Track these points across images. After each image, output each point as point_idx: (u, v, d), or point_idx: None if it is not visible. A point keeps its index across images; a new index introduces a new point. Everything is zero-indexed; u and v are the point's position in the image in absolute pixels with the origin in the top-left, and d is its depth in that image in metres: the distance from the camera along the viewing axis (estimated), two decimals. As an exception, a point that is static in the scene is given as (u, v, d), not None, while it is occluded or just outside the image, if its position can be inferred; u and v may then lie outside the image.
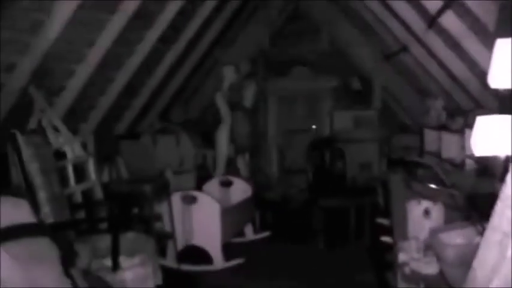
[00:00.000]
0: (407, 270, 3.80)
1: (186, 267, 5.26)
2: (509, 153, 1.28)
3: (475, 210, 2.41)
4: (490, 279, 1.52)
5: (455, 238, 3.16)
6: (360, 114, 8.38)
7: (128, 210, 5.34)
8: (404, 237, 4.06)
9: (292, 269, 5.28)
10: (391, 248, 4.73)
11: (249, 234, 6.40)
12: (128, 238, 4.36)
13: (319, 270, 5.22)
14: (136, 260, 4.07)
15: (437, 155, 5.64)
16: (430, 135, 6.19)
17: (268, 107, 8.80)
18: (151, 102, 7.05)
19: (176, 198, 5.43)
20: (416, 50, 6.03)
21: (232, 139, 6.98)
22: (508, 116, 1.26)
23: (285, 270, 5.19)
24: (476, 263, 1.67)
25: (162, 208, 5.45)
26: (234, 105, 7.10)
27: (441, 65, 5.59)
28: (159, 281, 4.26)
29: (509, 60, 1.08)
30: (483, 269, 1.59)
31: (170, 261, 5.27)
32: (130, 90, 6.18)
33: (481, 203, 1.92)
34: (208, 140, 7.29)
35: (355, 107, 8.48)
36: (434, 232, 3.54)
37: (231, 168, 7.02)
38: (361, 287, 4.83)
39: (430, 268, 3.63)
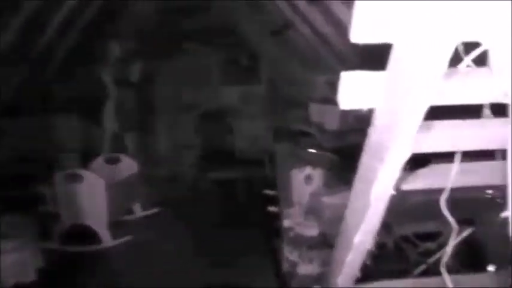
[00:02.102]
0: (291, 234, 4.00)
1: (72, 247, 5.08)
2: (372, 107, 1.39)
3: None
4: (357, 224, 1.66)
5: (333, 199, 3.36)
6: (248, 90, 8.54)
7: (9, 191, 5.02)
8: (289, 204, 4.26)
9: (182, 245, 5.25)
10: (277, 217, 4.92)
11: (138, 211, 6.28)
12: (7, 221, 4.13)
13: (210, 245, 5.26)
14: (14, 243, 3.88)
15: (322, 125, 5.92)
16: (315, 108, 6.47)
17: (155, 83, 8.64)
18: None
19: (60, 178, 5.21)
20: (300, 25, 6.25)
21: (119, 116, 6.79)
22: (369, 72, 1.36)
23: (174, 247, 5.15)
24: (347, 212, 1.80)
25: (45, 188, 5.22)
26: (121, 81, 6.89)
27: (325, 41, 5.84)
28: (40, 264, 4.10)
29: (369, 15, 1.16)
30: (353, 216, 1.73)
31: (55, 243, 5.07)
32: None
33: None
34: (94, 117, 7.03)
35: (243, 82, 8.61)
36: (314, 195, 3.77)
37: (119, 145, 6.84)
38: (252, 258, 4.93)
39: (311, 231, 3.84)
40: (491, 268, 2.66)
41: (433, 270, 2.66)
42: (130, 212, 6.17)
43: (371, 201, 1.48)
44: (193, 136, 6.93)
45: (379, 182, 1.40)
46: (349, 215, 1.78)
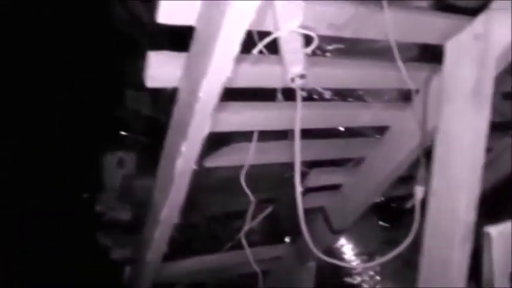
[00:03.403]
0: (105, 219, 3.93)
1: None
2: (176, 86, 1.48)
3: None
4: (163, 200, 1.75)
5: (145, 182, 3.39)
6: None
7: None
8: (102, 188, 4.18)
9: None
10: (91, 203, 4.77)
11: None
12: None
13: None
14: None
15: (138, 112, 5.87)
16: (130, 94, 6.38)
17: None
18: None
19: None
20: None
21: None
22: (174, 53, 1.45)
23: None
24: (154, 189, 1.88)
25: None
26: None
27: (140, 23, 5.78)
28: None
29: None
30: (159, 192, 1.81)
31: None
32: None
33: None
34: None
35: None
36: (126, 179, 3.76)
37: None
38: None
39: (124, 214, 3.82)
40: (287, 239, 2.98)
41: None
42: None
43: (174, 176, 1.57)
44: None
45: (182, 157, 1.50)
46: (156, 191, 1.85)
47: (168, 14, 1.25)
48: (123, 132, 4.08)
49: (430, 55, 1.82)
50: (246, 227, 2.29)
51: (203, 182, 2.36)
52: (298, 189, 1.67)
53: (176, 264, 2.64)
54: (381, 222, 3.09)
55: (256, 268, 2.47)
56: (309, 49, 1.35)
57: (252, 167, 1.98)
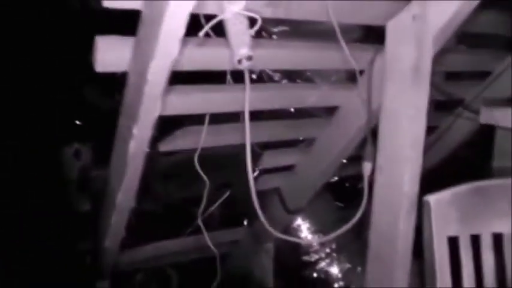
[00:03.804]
0: (62, 211, 3.91)
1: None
2: (126, 70, 1.50)
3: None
4: (119, 184, 1.77)
5: (102, 172, 3.39)
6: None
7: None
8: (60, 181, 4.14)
9: None
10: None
11: None
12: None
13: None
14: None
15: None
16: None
17: None
18: None
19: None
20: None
21: None
22: (122, 37, 1.46)
23: None
24: (110, 175, 1.90)
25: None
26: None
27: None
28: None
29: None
30: (114, 177, 1.83)
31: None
32: None
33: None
34: None
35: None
36: (83, 170, 3.74)
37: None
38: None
39: (83, 206, 3.81)
40: (245, 222, 3.04)
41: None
42: None
43: (128, 159, 1.59)
44: None
45: (134, 140, 1.52)
46: (111, 176, 1.87)
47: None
48: (78, 123, 4.04)
49: (376, 36, 1.89)
50: (202, 211, 2.32)
51: (159, 167, 2.39)
52: (250, 171, 1.70)
53: (136, 251, 2.66)
54: (336, 202, 3.18)
55: (215, 252, 2.50)
56: (253, 30, 1.39)
57: (207, 150, 2.02)
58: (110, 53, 1.44)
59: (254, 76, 1.99)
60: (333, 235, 2.02)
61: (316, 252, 3.05)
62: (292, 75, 2.01)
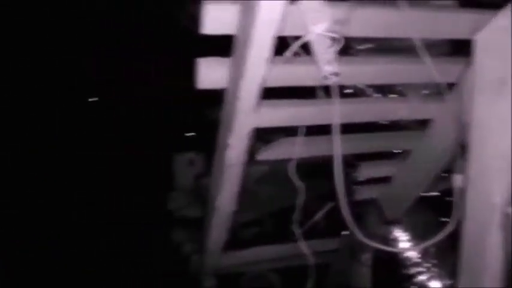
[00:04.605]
0: (176, 215, 4.22)
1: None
2: (224, 87, 1.68)
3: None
4: (218, 190, 1.96)
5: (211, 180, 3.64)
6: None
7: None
8: (173, 188, 4.48)
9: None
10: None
11: None
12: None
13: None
14: None
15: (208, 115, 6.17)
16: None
17: None
18: None
19: None
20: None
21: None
22: (220, 58, 1.65)
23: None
24: (212, 181, 2.09)
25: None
26: None
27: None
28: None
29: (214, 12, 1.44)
30: (215, 184, 2.03)
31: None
32: None
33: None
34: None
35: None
36: (197, 178, 4.03)
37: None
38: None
39: (195, 212, 4.09)
40: (344, 232, 3.10)
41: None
42: None
43: (225, 167, 1.77)
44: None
45: (230, 149, 1.70)
46: (212, 182, 2.07)
47: (211, 25, 1.46)
48: (191, 134, 4.37)
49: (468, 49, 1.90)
50: (302, 220, 2.41)
51: (258, 175, 2.56)
52: (340, 182, 1.78)
53: (236, 255, 2.83)
54: (438, 217, 3.13)
55: (311, 260, 2.57)
56: (337, 49, 1.50)
57: (306, 160, 2.13)
58: (210, 73, 1.64)
59: (348, 91, 2.09)
60: (426, 243, 2.03)
61: (415, 265, 3.02)
62: (384, 89, 2.08)
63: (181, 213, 4.26)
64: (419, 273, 3.00)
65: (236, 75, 1.48)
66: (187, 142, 4.49)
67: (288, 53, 1.51)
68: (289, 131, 2.18)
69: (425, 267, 3.00)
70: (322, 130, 2.15)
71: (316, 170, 2.33)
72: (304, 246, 2.45)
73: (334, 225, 3.17)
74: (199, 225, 4.10)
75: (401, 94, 2.09)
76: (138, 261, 4.52)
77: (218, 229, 2.22)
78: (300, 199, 2.29)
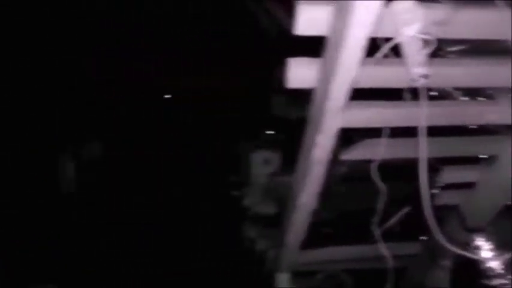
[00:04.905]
0: (250, 213, 4.33)
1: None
2: (312, 87, 1.72)
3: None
4: (302, 187, 2.00)
5: (288, 179, 3.68)
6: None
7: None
8: (248, 184, 4.58)
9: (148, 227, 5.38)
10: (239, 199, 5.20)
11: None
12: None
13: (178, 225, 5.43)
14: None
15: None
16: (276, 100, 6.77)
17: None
18: None
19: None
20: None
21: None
22: (310, 59, 1.70)
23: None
24: (294, 179, 2.14)
25: None
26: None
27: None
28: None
29: (307, 14, 1.48)
30: (298, 181, 2.07)
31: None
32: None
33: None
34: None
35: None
36: (271, 176, 4.10)
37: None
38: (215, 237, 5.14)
39: (268, 209, 4.17)
40: (422, 237, 3.05)
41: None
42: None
43: (311, 164, 1.81)
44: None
45: (317, 148, 1.74)
46: (295, 180, 2.11)
47: (304, 26, 1.50)
48: (268, 132, 4.45)
49: None
50: (380, 222, 2.41)
51: (339, 174, 2.58)
52: (425, 186, 1.77)
53: (313, 253, 2.86)
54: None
55: (391, 263, 2.54)
56: (428, 51, 1.50)
57: (388, 162, 2.13)
58: (299, 72, 1.68)
59: (433, 93, 2.07)
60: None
61: (498, 277, 2.91)
62: (472, 92, 2.04)
63: (255, 210, 4.36)
64: (503, 285, 2.89)
65: (327, 76, 1.52)
66: (264, 140, 4.58)
67: (379, 55, 1.53)
68: (369, 132, 2.19)
69: (509, 279, 2.89)
70: (405, 132, 2.15)
71: (394, 172, 2.32)
72: (384, 249, 2.43)
73: (410, 229, 3.13)
74: (271, 223, 4.19)
75: (490, 97, 2.04)
76: (212, 255, 4.65)
77: (298, 226, 2.26)
78: (381, 201, 2.29)
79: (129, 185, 6.19)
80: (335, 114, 1.60)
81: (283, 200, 3.77)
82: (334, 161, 2.04)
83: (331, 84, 1.49)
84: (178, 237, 5.06)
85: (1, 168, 4.49)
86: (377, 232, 2.36)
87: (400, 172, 2.87)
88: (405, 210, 2.83)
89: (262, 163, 4.47)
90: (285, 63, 1.68)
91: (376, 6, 1.30)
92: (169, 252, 4.80)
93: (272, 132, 4.49)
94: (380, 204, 2.27)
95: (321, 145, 1.73)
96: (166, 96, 9.37)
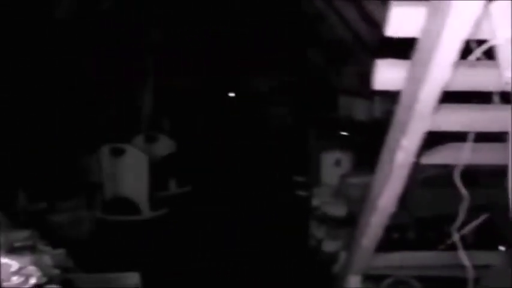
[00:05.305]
0: (319, 212, 4.32)
1: (114, 217, 5.46)
2: (399, 89, 1.70)
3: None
4: (382, 189, 1.99)
5: (360, 180, 3.66)
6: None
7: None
8: (318, 184, 4.58)
9: (215, 224, 5.52)
10: (306, 200, 5.20)
11: (172, 188, 6.64)
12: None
13: (242, 220, 5.55)
14: (69, 203, 4.33)
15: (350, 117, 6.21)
16: (343, 101, 6.74)
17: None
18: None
19: (105, 151, 5.60)
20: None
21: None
22: (398, 60, 1.68)
23: (207, 223, 5.47)
24: (373, 180, 2.12)
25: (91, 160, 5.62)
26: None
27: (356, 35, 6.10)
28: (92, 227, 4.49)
29: (401, 14, 1.47)
30: (378, 183, 2.05)
31: (98, 212, 5.45)
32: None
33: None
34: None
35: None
36: (343, 177, 4.07)
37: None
38: (281, 234, 5.17)
39: (339, 210, 4.16)
40: (501, 247, 2.93)
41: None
42: (165, 188, 6.52)
43: (394, 167, 1.80)
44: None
45: (401, 151, 1.72)
46: (375, 182, 2.10)
47: (396, 28, 1.49)
48: (343, 133, 4.44)
49: None
50: (457, 229, 2.33)
51: (419, 178, 2.52)
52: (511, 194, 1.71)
53: (386, 257, 2.81)
54: None
55: (471, 272, 2.43)
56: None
57: (468, 167, 2.06)
58: (387, 74, 1.67)
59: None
60: None
61: None
62: None
63: (324, 210, 4.35)
64: None
65: (417, 78, 1.50)
66: (337, 142, 4.56)
67: (472, 57, 1.49)
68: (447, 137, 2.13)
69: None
70: (487, 137, 2.08)
71: (472, 178, 2.25)
72: (464, 257, 2.36)
73: (487, 238, 3.02)
74: (340, 224, 4.17)
75: None
76: (282, 255, 4.66)
77: (375, 229, 2.24)
78: (463, 207, 2.22)
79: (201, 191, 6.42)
80: (424, 117, 1.58)
81: (354, 201, 3.76)
82: (417, 164, 2.01)
83: (422, 87, 1.47)
84: (242, 236, 5.12)
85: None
86: (457, 239, 2.29)
87: (478, 178, 2.77)
88: (482, 218, 2.73)
89: (333, 164, 4.46)
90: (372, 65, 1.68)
91: (475, 7, 1.27)
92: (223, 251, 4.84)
93: (344, 133, 4.47)
94: (462, 211, 2.21)
95: (406, 148, 1.71)
96: (230, 94, 9.59)
